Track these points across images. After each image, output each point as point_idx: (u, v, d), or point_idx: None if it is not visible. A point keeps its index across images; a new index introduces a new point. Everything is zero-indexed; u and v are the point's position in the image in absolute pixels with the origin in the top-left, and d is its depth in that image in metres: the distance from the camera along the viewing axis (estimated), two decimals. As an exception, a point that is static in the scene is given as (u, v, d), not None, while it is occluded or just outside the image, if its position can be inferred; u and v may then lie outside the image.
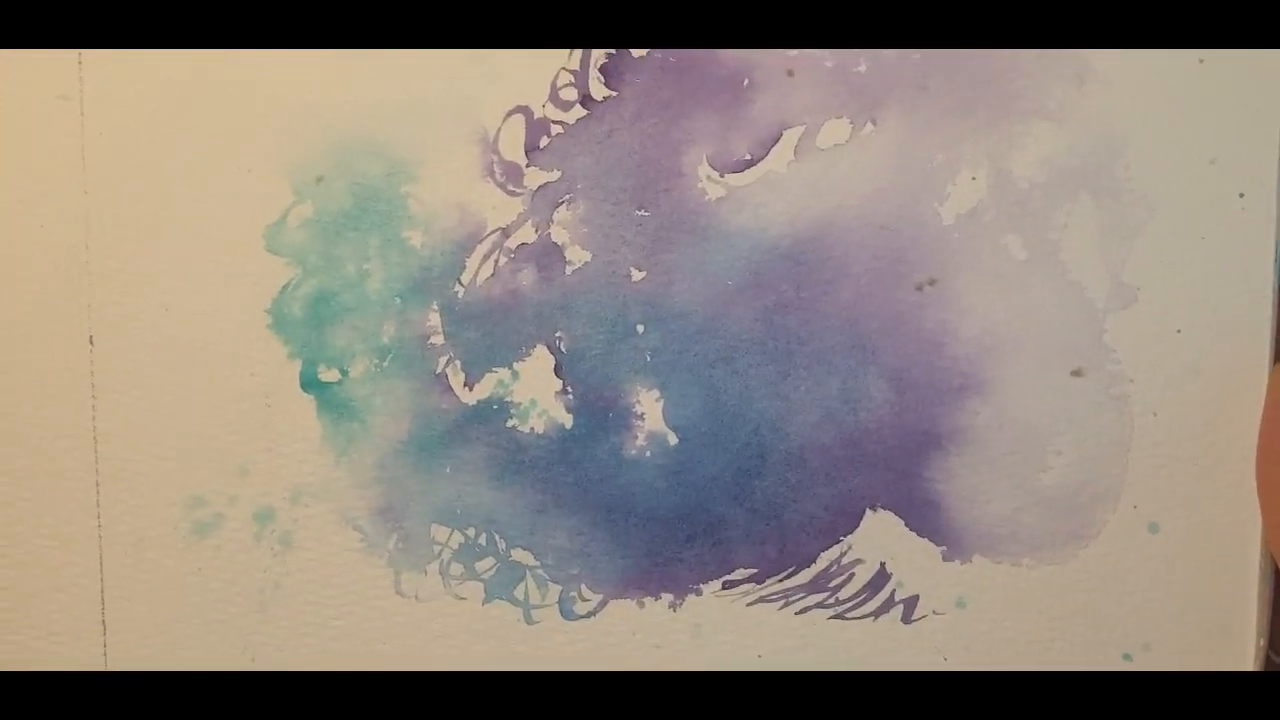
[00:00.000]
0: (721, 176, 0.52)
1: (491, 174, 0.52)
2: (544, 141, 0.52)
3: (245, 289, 0.52)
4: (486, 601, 0.54)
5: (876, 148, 0.52)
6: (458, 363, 0.52)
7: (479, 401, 0.53)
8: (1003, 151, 0.51)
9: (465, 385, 0.53)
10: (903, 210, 0.52)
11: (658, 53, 0.51)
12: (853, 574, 0.54)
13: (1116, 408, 0.52)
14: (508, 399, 0.53)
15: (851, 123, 0.51)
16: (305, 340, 0.52)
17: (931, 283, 0.52)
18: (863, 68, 0.51)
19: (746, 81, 0.51)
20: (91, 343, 0.52)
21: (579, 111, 0.52)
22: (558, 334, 0.52)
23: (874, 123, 0.51)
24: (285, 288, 0.52)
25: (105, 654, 0.53)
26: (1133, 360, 0.52)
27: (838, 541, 0.53)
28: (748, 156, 0.52)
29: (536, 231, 0.52)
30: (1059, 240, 0.51)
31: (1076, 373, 0.52)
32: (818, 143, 0.52)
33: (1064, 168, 0.52)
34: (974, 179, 0.51)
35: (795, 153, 0.52)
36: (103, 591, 0.53)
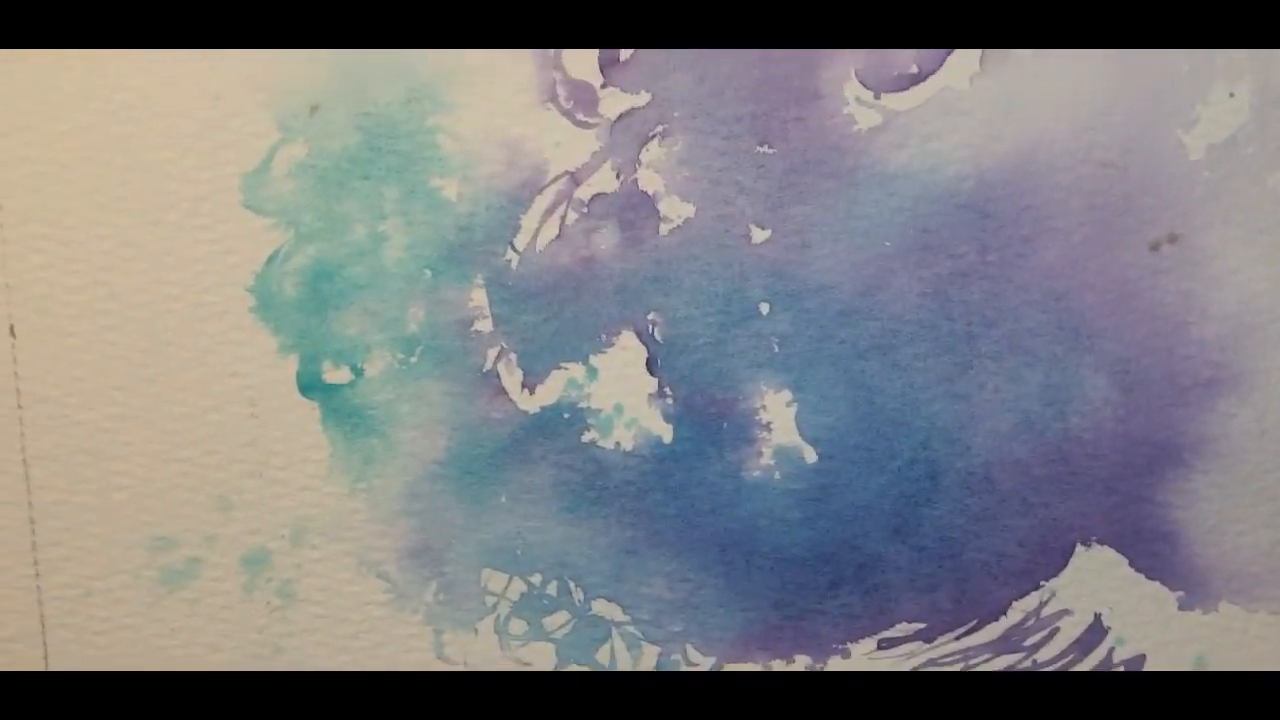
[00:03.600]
0: (877, 97, 0.50)
1: (554, 98, 0.50)
2: (625, 54, 0.50)
3: (217, 260, 0.50)
4: (559, 667, 0.53)
5: (1097, 54, 0.49)
6: (513, 356, 0.51)
7: (543, 408, 0.52)
8: (1274, 58, 0.49)
9: (524, 387, 0.52)
10: (1133, 141, 0.50)
11: (785, -76, 0.49)
12: (1056, 628, 0.53)
13: None
14: (582, 405, 0.52)
15: (1062, 18, 0.48)
16: (302, 329, 0.51)
17: (1172, 240, 0.50)
18: (1077, -61, 0.49)
19: (912, -38, 0.49)
20: (12, 333, 0.51)
21: (675, 8, 0.48)
22: (650, 316, 0.51)
23: (1093, 18, 0.48)
24: (272, 258, 0.51)
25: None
26: None
27: (1037, 587, 0.53)
28: (914, 70, 0.50)
29: (618, 176, 0.50)
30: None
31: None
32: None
33: (1362, 76, 0.48)
34: (1232, 95, 0.50)
35: (981, 63, 0.49)
36: (46, 658, 0.54)
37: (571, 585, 0.52)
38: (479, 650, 0.53)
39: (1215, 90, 0.49)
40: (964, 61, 0.49)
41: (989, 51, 0.49)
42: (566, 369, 0.51)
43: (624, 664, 0.53)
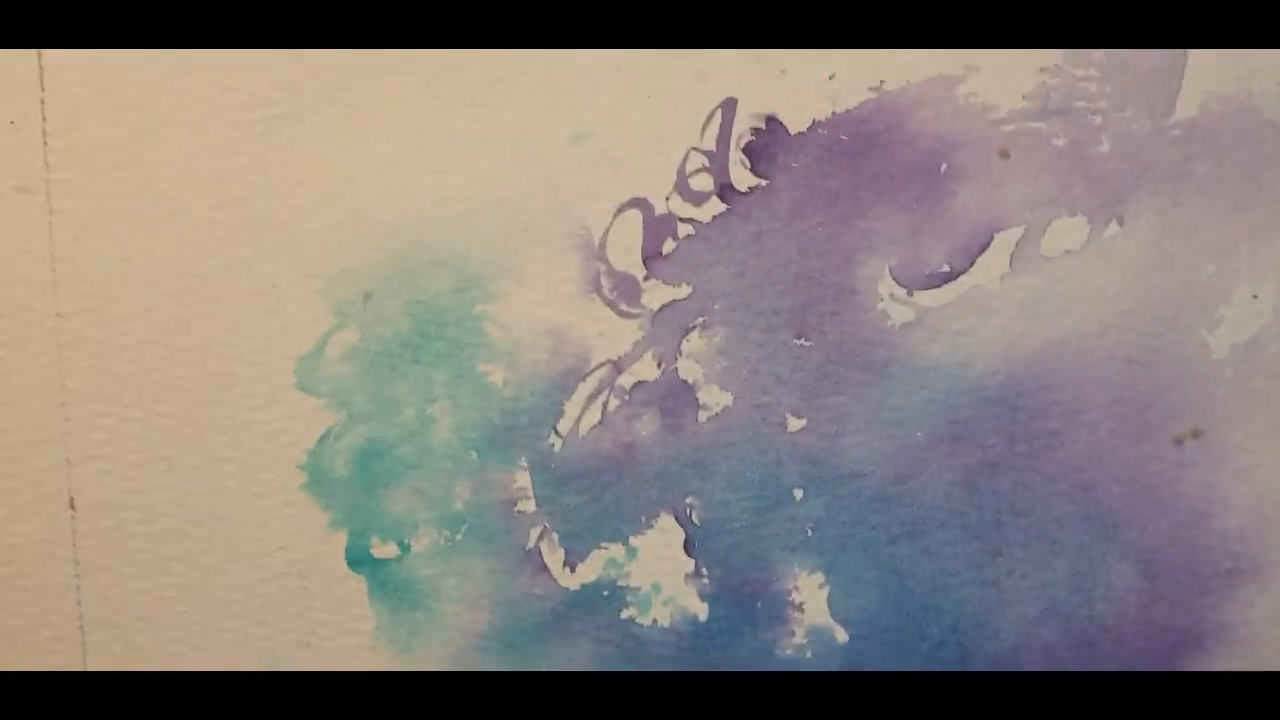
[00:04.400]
0: (910, 294, 0.51)
1: (598, 289, 0.51)
2: (669, 246, 0.51)
3: (272, 439, 0.52)
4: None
5: (1123, 255, 0.50)
6: (555, 536, 0.52)
7: (584, 585, 0.53)
8: (1297, 260, 0.49)
9: (565, 565, 0.52)
10: (1158, 339, 0.51)
11: (822, 128, 0.50)
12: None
13: None
14: (622, 583, 0.53)
15: (1089, 221, 0.50)
16: (352, 505, 0.52)
17: (1195, 435, 0.51)
18: (1105, 146, 0.50)
19: (944, 166, 0.50)
20: (72, 506, 0.52)
21: (716, 206, 0.51)
22: (689, 500, 0.52)
23: (1120, 222, 0.50)
24: (324, 437, 0.52)
25: None
26: None
27: (1063, 768, 0.52)
28: (946, 268, 0.51)
29: (659, 366, 0.52)
30: (1370, 380, 0.50)
31: (1389, 555, 0.51)
32: (1042, 249, 0.50)
33: (1383, 282, 0.49)
34: (1255, 297, 0.50)
35: (1011, 262, 0.51)
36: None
37: (608, 756, 0.52)
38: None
39: (1239, 292, 0.50)
40: (994, 261, 0.50)
41: (1019, 250, 0.49)
42: (607, 549, 0.52)
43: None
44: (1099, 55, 0.49)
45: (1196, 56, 0.49)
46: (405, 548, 0.52)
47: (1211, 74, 0.48)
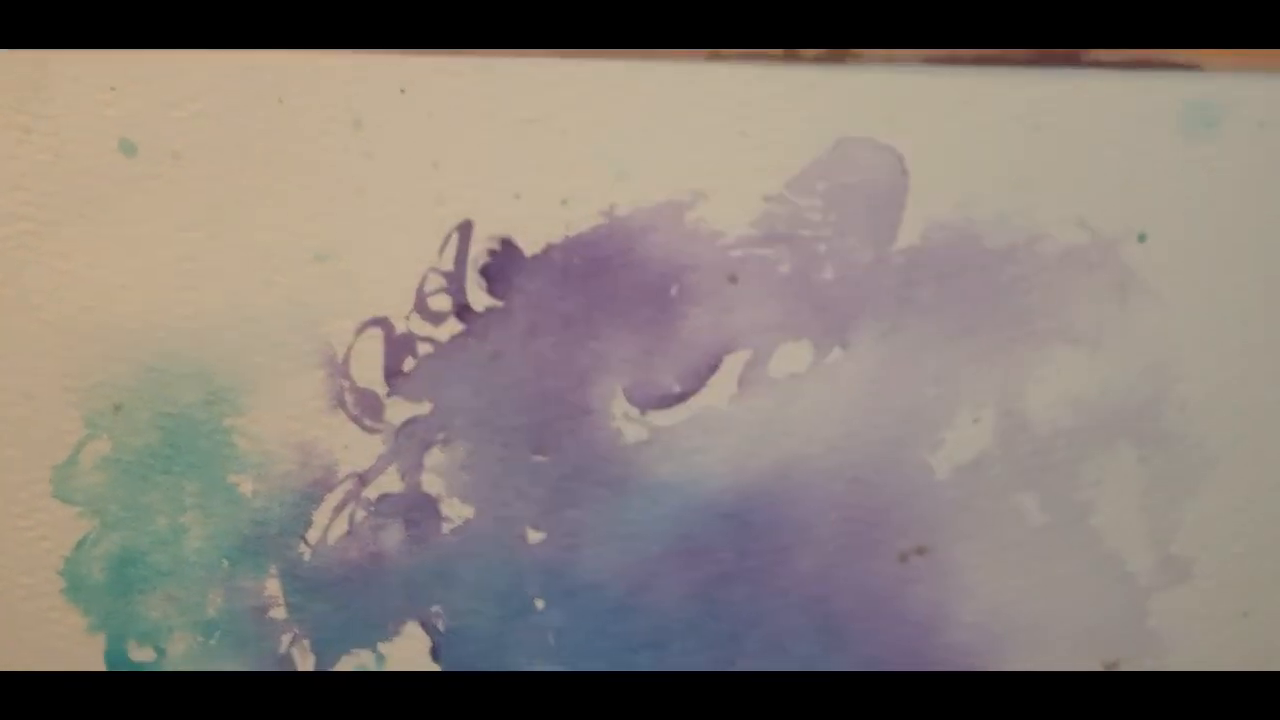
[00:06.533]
0: (643, 414, 0.51)
1: (342, 404, 0.52)
2: (409, 364, 0.52)
3: (31, 545, 0.53)
4: None
5: (847, 378, 0.51)
6: (306, 642, 0.53)
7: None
8: (1015, 386, 0.51)
9: (316, 670, 0.54)
10: (883, 459, 0.51)
11: (556, 252, 0.51)
12: None
13: (1165, 709, 0.52)
14: (371, 688, 0.53)
15: (815, 345, 0.51)
16: (109, 610, 0.53)
17: (920, 552, 0.52)
18: (829, 274, 0.51)
19: (675, 289, 0.51)
20: None
21: (454, 326, 0.51)
22: (434, 609, 0.53)
23: (843, 346, 0.51)
24: (81, 544, 0.53)
25: None
26: (1185, 650, 0.52)
27: None
28: (677, 389, 0.52)
29: (403, 479, 0.52)
30: (1090, 501, 0.51)
31: (1111, 665, 0.52)
32: (769, 371, 0.51)
33: (1098, 408, 0.51)
34: (976, 421, 0.51)
35: (739, 384, 0.51)
36: None
37: None
38: None
39: (960, 415, 0.51)
40: (723, 382, 0.50)
41: (747, 373, 0.50)
42: (355, 654, 0.53)
43: None
44: (822, 185, 0.49)
45: (918, 184, 0.49)
46: (161, 651, 0.52)
47: (933, 202, 0.49)
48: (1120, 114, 0.49)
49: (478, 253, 0.50)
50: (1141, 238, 0.49)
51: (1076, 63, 0.49)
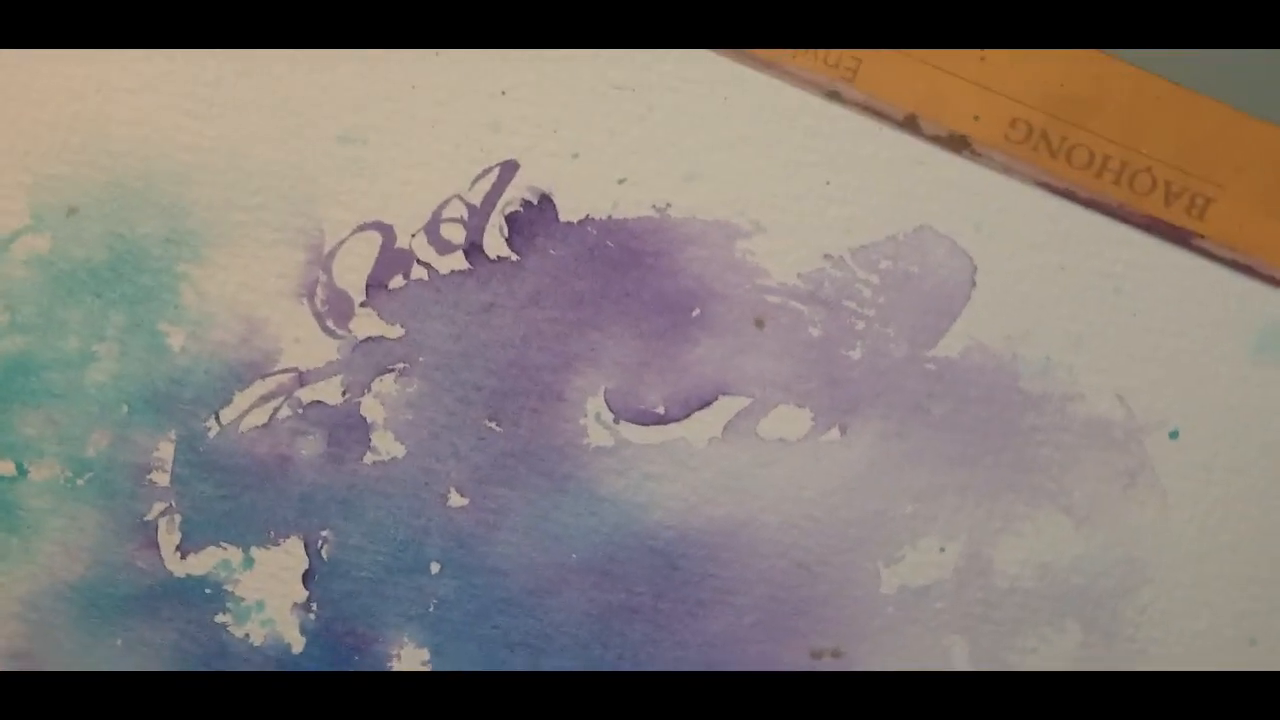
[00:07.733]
0: (615, 421, 0.49)
1: (310, 296, 0.49)
2: (396, 282, 0.48)
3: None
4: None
5: (833, 463, 0.49)
6: (177, 518, 0.50)
7: (189, 576, 0.50)
8: (993, 531, 0.50)
9: (178, 550, 0.50)
10: (834, 554, 0.49)
11: (592, 226, 0.48)
12: None
13: None
14: (229, 587, 0.50)
15: (815, 419, 0.49)
16: (-17, 410, 0.49)
17: (835, 654, 0.50)
18: (857, 354, 0.49)
19: (698, 311, 0.48)
20: None
21: (457, 262, 0.48)
22: (324, 533, 0.50)
23: (842, 430, 0.49)
24: (-22, 333, 0.48)
25: None
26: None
27: None
28: (660, 410, 0.49)
29: (344, 394, 0.49)
30: (1018, 666, 0.50)
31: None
32: (759, 428, 0.49)
33: (1061, 581, 0.50)
34: (942, 550, 0.50)
35: (725, 429, 0.49)
36: None
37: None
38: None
39: (928, 540, 0.49)
40: (709, 421, 0.48)
41: (736, 422, 0.48)
42: (225, 549, 0.49)
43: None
44: (885, 264, 0.47)
45: (979, 300, 0.47)
46: (23, 470, 0.49)
47: (985, 323, 0.47)
48: (1199, 306, 0.47)
49: (511, 198, 0.47)
50: (1174, 434, 0.47)
51: (1186, 245, 0.46)
